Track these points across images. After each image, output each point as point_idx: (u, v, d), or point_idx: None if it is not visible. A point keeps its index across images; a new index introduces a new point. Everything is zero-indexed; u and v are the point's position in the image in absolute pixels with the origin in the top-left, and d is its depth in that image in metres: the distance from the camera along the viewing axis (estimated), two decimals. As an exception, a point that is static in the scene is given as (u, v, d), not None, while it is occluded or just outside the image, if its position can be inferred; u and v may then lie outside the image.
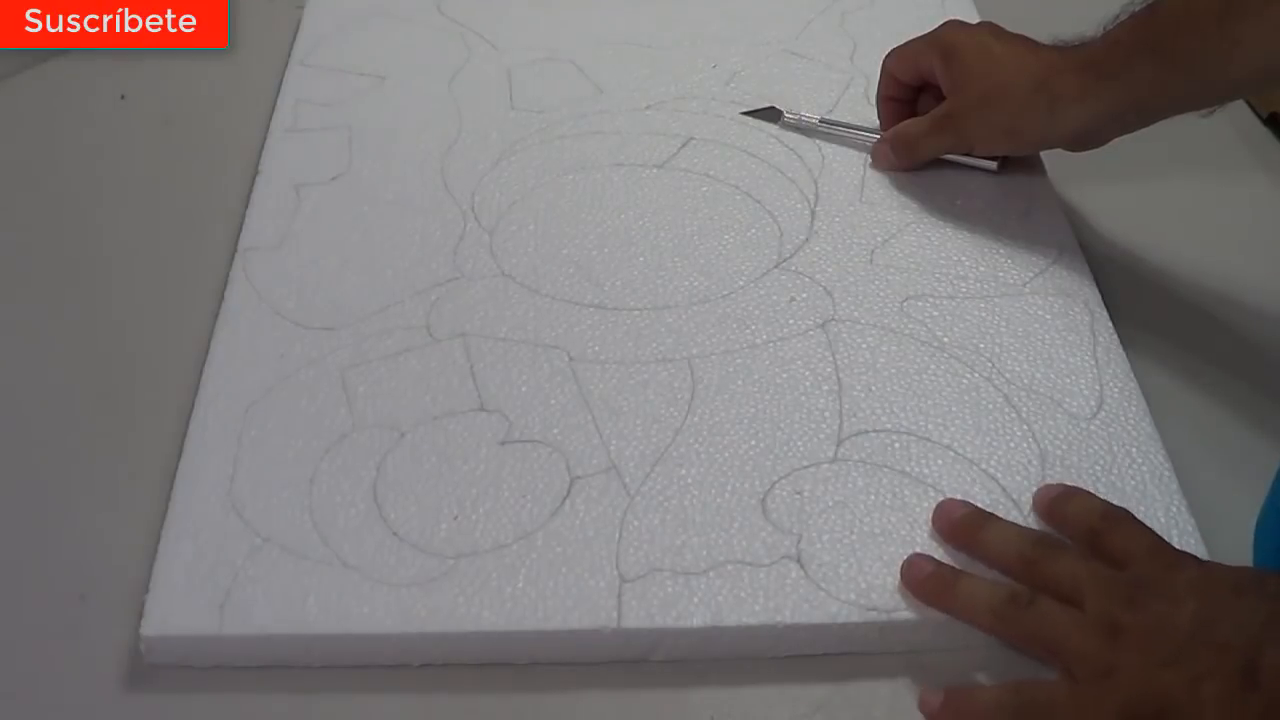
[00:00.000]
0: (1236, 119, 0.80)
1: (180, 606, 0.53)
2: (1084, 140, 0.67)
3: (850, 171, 0.73)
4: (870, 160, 0.74)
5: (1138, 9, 0.64)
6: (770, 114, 0.76)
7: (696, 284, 0.66)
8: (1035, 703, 0.49)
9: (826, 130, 0.75)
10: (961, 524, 0.54)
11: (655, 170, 0.73)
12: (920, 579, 0.52)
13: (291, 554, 0.54)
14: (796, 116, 0.76)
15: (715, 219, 0.70)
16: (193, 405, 0.61)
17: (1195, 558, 0.51)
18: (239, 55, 0.79)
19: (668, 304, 0.65)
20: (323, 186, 0.72)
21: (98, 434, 0.62)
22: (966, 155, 0.71)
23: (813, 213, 0.70)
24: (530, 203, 0.71)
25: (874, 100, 0.76)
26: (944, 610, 0.52)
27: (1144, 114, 0.65)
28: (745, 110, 0.77)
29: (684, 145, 0.75)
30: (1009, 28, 0.71)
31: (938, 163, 0.72)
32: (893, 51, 0.73)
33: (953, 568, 0.53)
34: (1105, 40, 0.65)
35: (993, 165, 0.71)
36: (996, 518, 0.54)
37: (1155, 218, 0.73)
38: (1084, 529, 0.53)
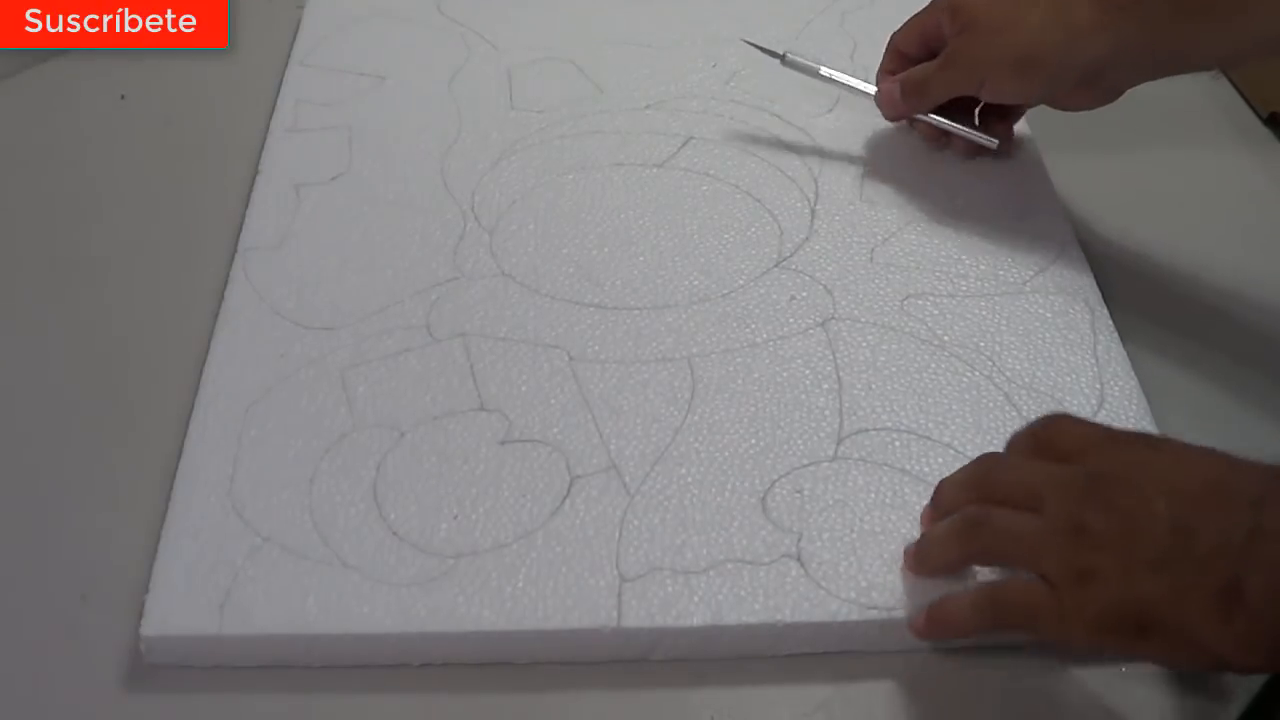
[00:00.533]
0: (1237, 119, 0.80)
1: (180, 606, 0.53)
2: (1099, 81, 0.65)
3: (850, 171, 0.73)
4: (879, 105, 0.73)
5: None
6: (774, 54, 0.75)
7: (696, 283, 0.66)
8: (1014, 605, 0.49)
9: (827, 78, 0.74)
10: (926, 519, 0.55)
11: (655, 170, 0.73)
12: (906, 560, 0.53)
13: (291, 554, 0.54)
14: (799, 59, 0.74)
15: (715, 218, 0.70)
16: (192, 405, 0.61)
17: (1147, 437, 0.51)
18: (239, 55, 0.79)
19: (668, 303, 0.65)
20: (323, 186, 0.72)
21: (98, 434, 0.62)
22: (971, 125, 0.71)
23: (813, 211, 0.70)
24: (530, 202, 0.71)
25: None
26: (928, 575, 0.52)
27: (1160, 59, 0.63)
28: (748, 40, 0.76)
29: (684, 144, 0.75)
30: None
31: (938, 162, 0.72)
32: (897, 31, 0.72)
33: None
34: None
35: (993, 143, 0.70)
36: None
37: (1155, 217, 0.72)
38: (1024, 435, 0.53)
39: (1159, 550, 0.45)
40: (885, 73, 0.73)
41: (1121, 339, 0.63)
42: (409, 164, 0.74)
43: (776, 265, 0.67)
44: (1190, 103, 0.81)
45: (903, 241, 0.68)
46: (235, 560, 0.54)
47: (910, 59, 0.72)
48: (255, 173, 0.73)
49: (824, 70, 0.73)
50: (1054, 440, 0.51)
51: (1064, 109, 0.68)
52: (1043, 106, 0.69)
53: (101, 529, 0.58)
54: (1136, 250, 0.70)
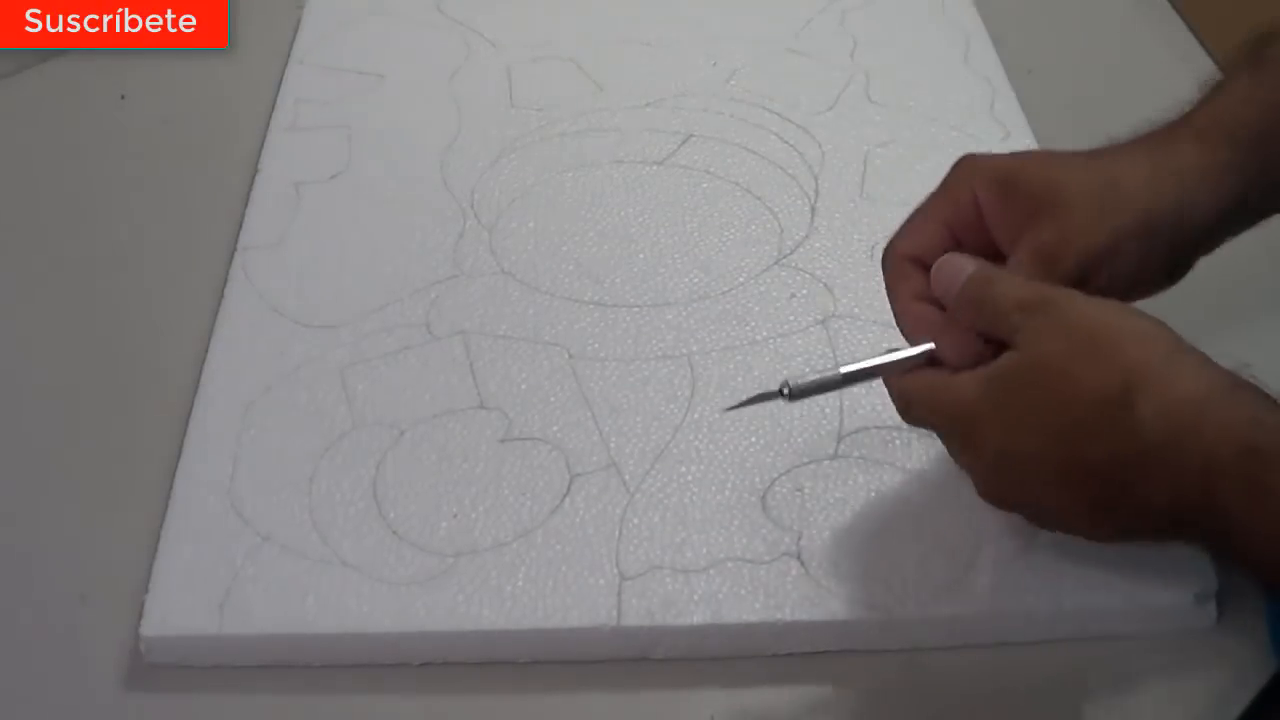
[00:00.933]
0: None
1: (180, 606, 0.53)
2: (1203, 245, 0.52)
3: (851, 167, 0.73)
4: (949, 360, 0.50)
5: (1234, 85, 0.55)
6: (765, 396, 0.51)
7: (696, 281, 0.66)
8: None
9: (854, 374, 0.51)
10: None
11: (655, 167, 0.73)
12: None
13: (291, 553, 0.54)
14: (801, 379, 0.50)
15: (715, 215, 0.70)
16: (192, 404, 0.61)
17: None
18: (239, 55, 0.79)
19: (668, 301, 0.65)
20: (322, 185, 0.72)
21: (97, 433, 0.62)
22: None
23: (813, 209, 0.70)
24: (530, 200, 0.71)
25: (874, 98, 0.76)
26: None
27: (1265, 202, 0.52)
28: (732, 407, 0.52)
29: (684, 142, 0.75)
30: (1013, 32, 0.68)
31: (939, 158, 0.72)
32: (895, 237, 0.53)
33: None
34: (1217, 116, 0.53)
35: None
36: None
37: None
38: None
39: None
40: (910, 300, 0.52)
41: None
42: (408, 162, 0.74)
43: (776, 263, 0.67)
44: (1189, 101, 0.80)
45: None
46: (235, 559, 0.54)
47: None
48: (255, 172, 0.73)
49: (844, 370, 0.51)
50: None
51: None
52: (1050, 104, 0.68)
53: (101, 529, 0.58)
54: None
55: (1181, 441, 0.42)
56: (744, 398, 0.51)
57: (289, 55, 0.82)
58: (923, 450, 0.58)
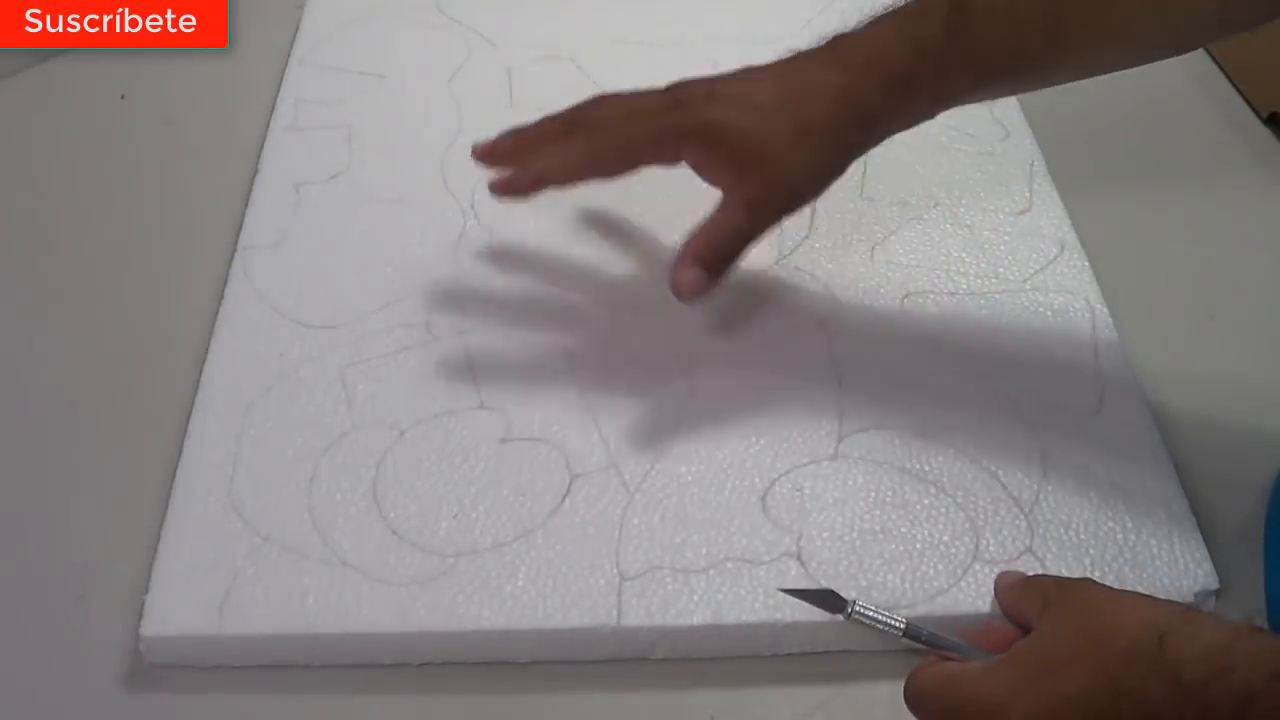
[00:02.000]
0: (1236, 119, 0.80)
1: (180, 606, 0.53)
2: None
3: (851, 168, 0.72)
4: (676, 292, 0.57)
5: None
6: (828, 600, 0.51)
7: (696, 281, 0.66)
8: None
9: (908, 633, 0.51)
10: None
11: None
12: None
13: (291, 553, 0.54)
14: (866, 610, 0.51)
15: (715, 216, 0.70)
16: (192, 405, 0.61)
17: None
18: (239, 55, 0.79)
19: (668, 301, 0.65)
20: (322, 185, 0.72)
21: (97, 433, 0.62)
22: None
23: (812, 209, 0.70)
24: (530, 200, 0.71)
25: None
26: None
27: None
28: (787, 591, 0.52)
29: (684, 143, 0.74)
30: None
31: (939, 160, 0.72)
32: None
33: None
34: (906, 45, 0.56)
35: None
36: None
37: (1154, 216, 0.72)
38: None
39: None
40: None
41: (1121, 336, 0.63)
42: (408, 162, 0.74)
43: (776, 263, 0.67)
44: (1190, 103, 0.80)
45: (903, 239, 0.68)
46: (235, 560, 0.54)
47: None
48: (255, 172, 0.73)
49: (905, 624, 0.51)
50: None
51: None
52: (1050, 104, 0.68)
53: (101, 528, 0.58)
54: (1136, 249, 0.70)
55: (1217, 679, 0.41)
56: (806, 589, 0.52)
57: (289, 55, 0.82)
58: (922, 450, 0.58)
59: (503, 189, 0.61)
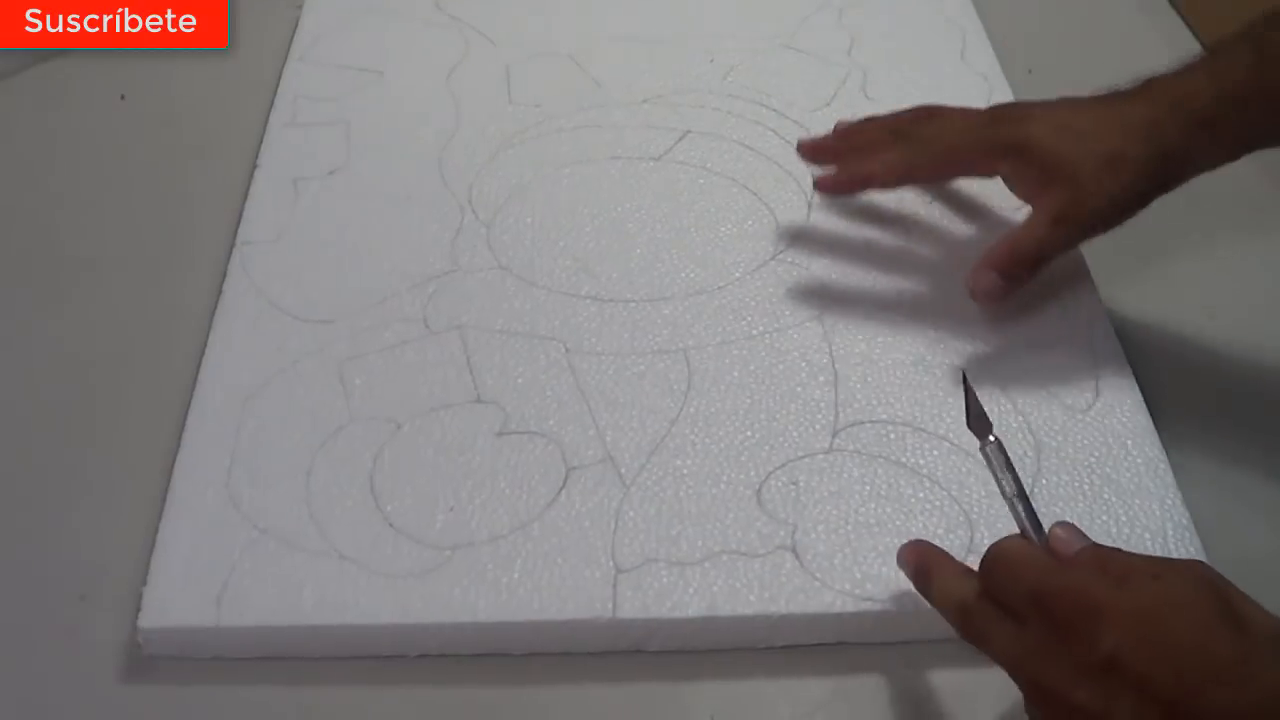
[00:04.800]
0: None
1: (178, 598, 0.53)
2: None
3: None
4: (972, 293, 0.62)
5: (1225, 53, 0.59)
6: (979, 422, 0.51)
7: (693, 276, 0.66)
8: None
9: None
10: (920, 568, 0.50)
11: (652, 163, 0.73)
12: (907, 560, 0.51)
13: (288, 546, 0.55)
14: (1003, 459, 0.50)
15: (712, 211, 0.70)
16: (191, 398, 0.61)
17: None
18: (239, 55, 0.79)
19: (664, 295, 0.65)
20: (320, 180, 0.72)
21: (97, 428, 0.62)
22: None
23: (809, 205, 0.70)
24: (527, 196, 0.71)
25: (870, 95, 0.77)
26: (923, 594, 0.50)
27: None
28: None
29: (681, 138, 0.75)
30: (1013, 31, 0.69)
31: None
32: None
33: (938, 553, 0.50)
34: (1212, 88, 0.58)
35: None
36: (948, 564, 0.49)
37: (1153, 217, 0.72)
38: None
39: None
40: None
41: (1116, 331, 0.63)
42: (406, 158, 0.74)
43: (773, 258, 0.67)
44: None
45: (900, 235, 0.68)
46: (232, 552, 0.54)
47: None
48: (254, 167, 0.73)
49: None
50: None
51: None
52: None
53: (100, 522, 0.58)
54: (1132, 246, 0.69)
55: None
56: (972, 396, 0.51)
57: (288, 52, 0.82)
58: (917, 444, 0.58)
59: (829, 187, 0.67)
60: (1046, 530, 0.48)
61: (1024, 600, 0.43)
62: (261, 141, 0.75)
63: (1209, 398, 0.63)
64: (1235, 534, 0.56)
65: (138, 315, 0.68)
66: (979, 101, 0.76)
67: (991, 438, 0.50)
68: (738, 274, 0.66)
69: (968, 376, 0.52)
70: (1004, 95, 0.77)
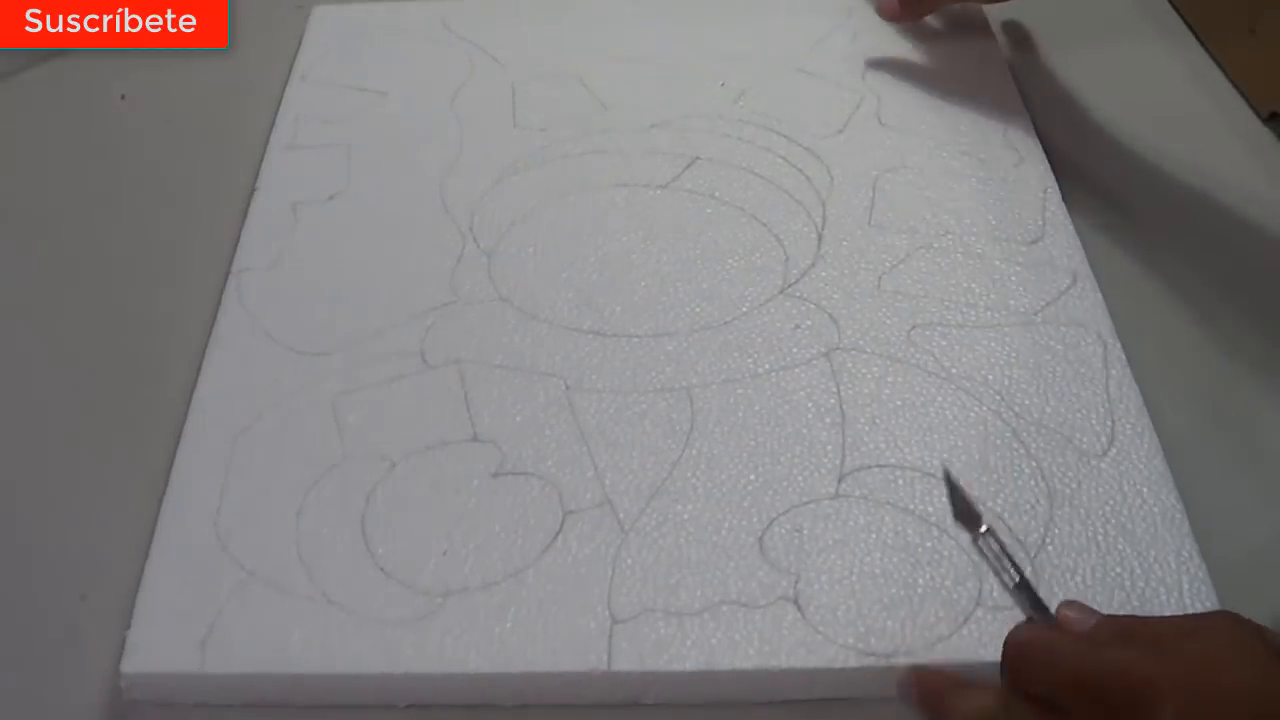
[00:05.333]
0: (1236, 119, 0.78)
1: (162, 642, 0.52)
2: None
3: (859, 194, 0.71)
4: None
5: None
6: (967, 514, 0.49)
7: (699, 310, 0.64)
8: None
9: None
10: (930, 694, 0.48)
11: (659, 191, 0.72)
12: (912, 695, 0.49)
13: (276, 589, 0.53)
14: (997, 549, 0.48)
15: (719, 242, 0.68)
16: (182, 430, 0.59)
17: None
18: (239, 55, 0.78)
19: (668, 331, 0.63)
20: (320, 205, 0.71)
21: (84, 457, 0.61)
22: None
23: (819, 236, 0.68)
24: (530, 224, 0.69)
25: (884, 121, 0.75)
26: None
27: None
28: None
29: (689, 165, 0.73)
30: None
31: (950, 185, 0.71)
32: None
33: (941, 676, 0.48)
34: None
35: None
36: (956, 683, 0.48)
37: (1153, 217, 0.71)
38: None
39: None
40: None
41: (1131, 364, 0.61)
42: (408, 183, 0.72)
43: (781, 292, 0.65)
44: (1190, 102, 0.79)
45: (911, 268, 0.66)
46: (219, 595, 0.53)
47: None
48: (253, 190, 0.72)
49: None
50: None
51: None
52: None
53: (86, 558, 0.56)
54: (1135, 249, 0.68)
55: None
56: (956, 488, 0.49)
57: (291, 64, 0.81)
58: (925, 490, 0.56)
59: None
60: (1053, 610, 0.46)
61: (1065, 690, 0.41)
62: (261, 162, 0.74)
63: (1225, 438, 0.62)
64: (1252, 582, 0.54)
65: (136, 319, 0.66)
66: (995, 126, 0.75)
67: (983, 528, 0.48)
68: (744, 308, 0.64)
69: (950, 473, 0.49)
70: (1021, 119, 0.75)
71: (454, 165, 0.73)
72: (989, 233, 0.68)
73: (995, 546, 0.47)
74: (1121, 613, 0.51)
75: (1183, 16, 0.84)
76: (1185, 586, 0.52)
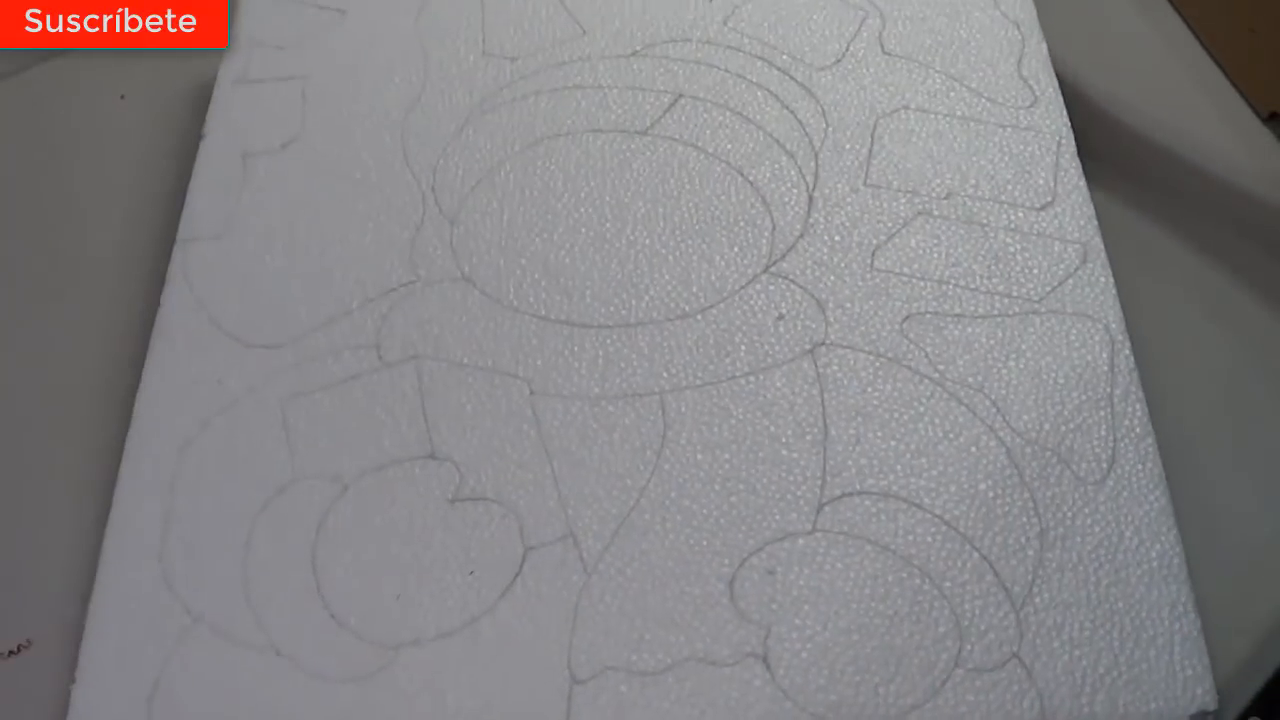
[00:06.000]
0: (1236, 119, 0.72)
1: (107, 700, 0.50)
2: None
3: (856, 144, 0.65)
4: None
5: None
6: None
7: (675, 294, 0.59)
8: None
9: None
10: None
11: (637, 138, 0.65)
12: None
13: (222, 637, 0.51)
14: None
15: (701, 206, 0.63)
16: (125, 444, 0.56)
17: None
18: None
19: (641, 320, 0.59)
20: (272, 156, 0.65)
21: (24, 472, 0.58)
22: None
23: (810, 199, 0.63)
24: (496, 182, 0.64)
25: (888, 48, 0.68)
26: None
27: None
28: None
29: (672, 105, 0.67)
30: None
31: (954, 138, 0.65)
32: None
33: None
34: None
35: None
36: None
37: (1153, 217, 0.66)
38: None
39: None
40: None
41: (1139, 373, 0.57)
42: (367, 126, 0.66)
43: (766, 270, 0.60)
44: (1190, 102, 0.73)
45: (907, 241, 0.61)
46: (165, 643, 0.51)
47: None
48: (200, 136, 0.66)
49: None
50: None
51: None
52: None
53: (30, 592, 0.54)
54: (1135, 250, 0.63)
55: None
56: None
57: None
58: (909, 524, 0.53)
59: None
60: None
61: None
62: (211, 101, 0.68)
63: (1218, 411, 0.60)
64: (1246, 643, 0.51)
65: (142, 315, 0.62)
66: (1008, 58, 0.68)
67: None
68: (725, 292, 0.60)
69: None
70: (1037, 50, 0.68)
71: (417, 102, 0.67)
72: (995, 195, 0.62)
73: None
74: (1107, 678, 0.49)
75: (1183, 16, 0.77)
76: (1176, 648, 0.50)
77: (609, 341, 0.58)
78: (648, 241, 0.61)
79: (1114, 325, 0.58)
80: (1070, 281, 0.59)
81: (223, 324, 0.59)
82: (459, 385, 0.57)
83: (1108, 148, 0.66)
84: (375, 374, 0.58)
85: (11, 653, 0.53)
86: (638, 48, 0.70)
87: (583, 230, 0.62)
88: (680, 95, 0.67)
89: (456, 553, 0.52)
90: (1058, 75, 0.67)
